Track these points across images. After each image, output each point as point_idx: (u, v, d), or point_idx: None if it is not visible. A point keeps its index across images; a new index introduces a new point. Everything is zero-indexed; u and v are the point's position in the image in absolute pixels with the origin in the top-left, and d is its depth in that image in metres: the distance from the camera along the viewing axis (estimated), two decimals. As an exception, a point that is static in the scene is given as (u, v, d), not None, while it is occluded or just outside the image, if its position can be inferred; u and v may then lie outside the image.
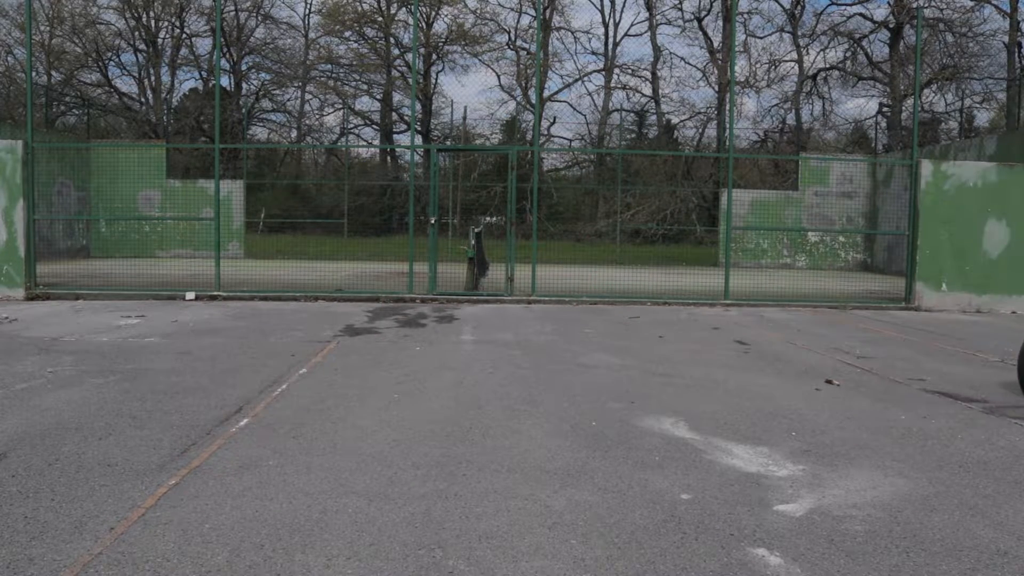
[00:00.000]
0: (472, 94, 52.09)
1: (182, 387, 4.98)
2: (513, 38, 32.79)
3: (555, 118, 34.14)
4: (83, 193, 18.37)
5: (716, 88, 30.44)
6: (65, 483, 3.18)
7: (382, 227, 26.33)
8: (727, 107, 21.95)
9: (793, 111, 30.75)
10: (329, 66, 33.54)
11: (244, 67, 33.31)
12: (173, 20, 30.89)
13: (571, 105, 36.36)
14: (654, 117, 33.28)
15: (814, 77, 30.57)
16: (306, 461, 3.52)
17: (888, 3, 28.34)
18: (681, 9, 31.91)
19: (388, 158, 34.11)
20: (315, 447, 3.74)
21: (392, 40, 33.40)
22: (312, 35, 34.00)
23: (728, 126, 13.02)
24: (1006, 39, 27.03)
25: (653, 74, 32.34)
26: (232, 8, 31.27)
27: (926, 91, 27.31)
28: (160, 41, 31.09)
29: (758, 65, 30.61)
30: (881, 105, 29.76)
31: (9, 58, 28.86)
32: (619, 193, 23.12)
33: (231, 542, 2.64)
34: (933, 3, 26.97)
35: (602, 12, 35.32)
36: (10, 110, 25.61)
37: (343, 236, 20.33)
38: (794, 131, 30.57)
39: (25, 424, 4.03)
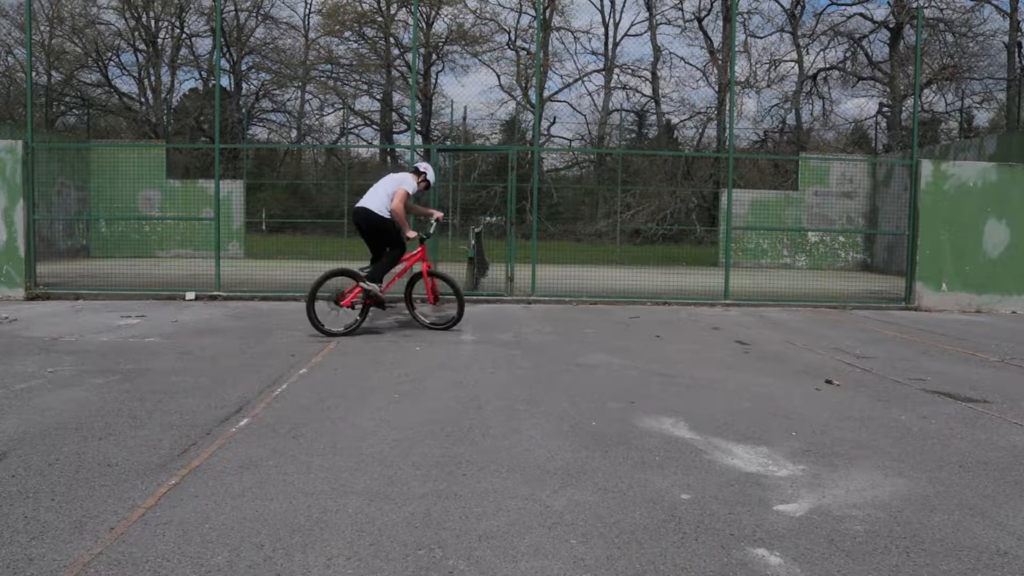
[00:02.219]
0: (472, 94, 52.00)
1: (182, 387, 4.98)
2: (513, 38, 32.80)
3: (555, 118, 34.17)
4: (83, 193, 18.37)
5: (716, 88, 30.45)
6: (65, 483, 3.18)
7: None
8: (727, 107, 21.95)
9: (793, 111, 30.76)
10: (329, 66, 33.55)
11: (244, 67, 33.32)
12: (173, 20, 30.90)
13: (571, 105, 36.38)
14: (654, 117, 33.30)
15: (814, 77, 30.57)
16: (306, 461, 3.52)
17: (888, 3, 28.34)
18: (681, 9, 31.84)
19: (388, 158, 34.12)
20: (315, 447, 3.74)
21: (392, 40, 33.41)
22: (312, 35, 34.01)
23: (728, 126, 13.03)
24: (1006, 39, 27.03)
25: (653, 74, 32.34)
26: (232, 8, 31.27)
27: (926, 91, 27.32)
28: (160, 41, 31.10)
29: (758, 65, 30.62)
30: (881, 105, 29.77)
31: (9, 58, 28.87)
32: (619, 193, 23.12)
33: (231, 542, 2.64)
34: (933, 3, 26.98)
35: (602, 12, 35.31)
36: (10, 110, 25.60)
37: (343, 236, 20.32)
38: (794, 131, 30.57)
39: (25, 424, 4.04)
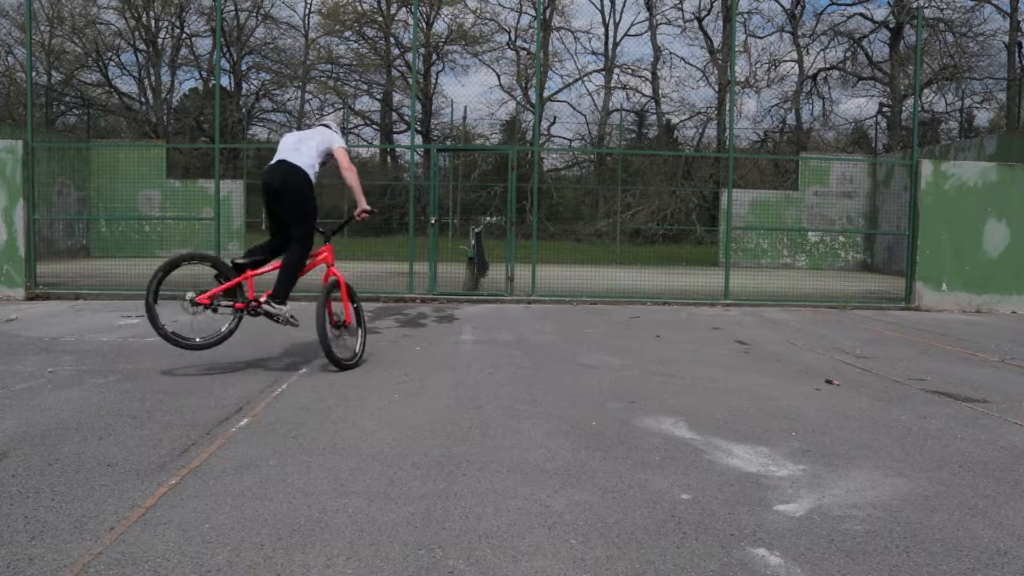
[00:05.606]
0: (472, 94, 52.09)
1: (182, 387, 4.98)
2: (513, 38, 32.81)
3: (555, 118, 34.17)
4: (83, 193, 18.37)
5: (716, 88, 30.45)
6: (65, 483, 3.18)
7: (382, 227, 26.32)
8: (727, 107, 21.94)
9: (793, 111, 30.77)
10: (329, 66, 33.55)
11: (244, 67, 33.31)
12: (173, 20, 30.91)
13: (571, 105, 36.41)
14: (654, 117, 33.30)
15: (814, 77, 30.58)
16: (306, 461, 3.52)
17: (888, 3, 28.34)
18: (681, 9, 31.93)
19: (388, 158, 34.11)
20: (315, 447, 3.74)
21: (392, 40, 33.41)
22: (312, 35, 34.01)
23: (728, 126, 13.03)
24: (1006, 39, 27.04)
25: (653, 74, 32.35)
26: (232, 8, 31.26)
27: (926, 91, 27.31)
28: (160, 41, 31.11)
29: (758, 65, 30.62)
30: (881, 105, 29.78)
31: (9, 58, 28.88)
32: (619, 193, 23.14)
33: (231, 542, 2.64)
34: (933, 3, 26.98)
35: (602, 12, 35.36)
36: (10, 110, 25.60)
37: (343, 236, 20.32)
38: (794, 131, 30.58)
39: (25, 424, 4.03)
